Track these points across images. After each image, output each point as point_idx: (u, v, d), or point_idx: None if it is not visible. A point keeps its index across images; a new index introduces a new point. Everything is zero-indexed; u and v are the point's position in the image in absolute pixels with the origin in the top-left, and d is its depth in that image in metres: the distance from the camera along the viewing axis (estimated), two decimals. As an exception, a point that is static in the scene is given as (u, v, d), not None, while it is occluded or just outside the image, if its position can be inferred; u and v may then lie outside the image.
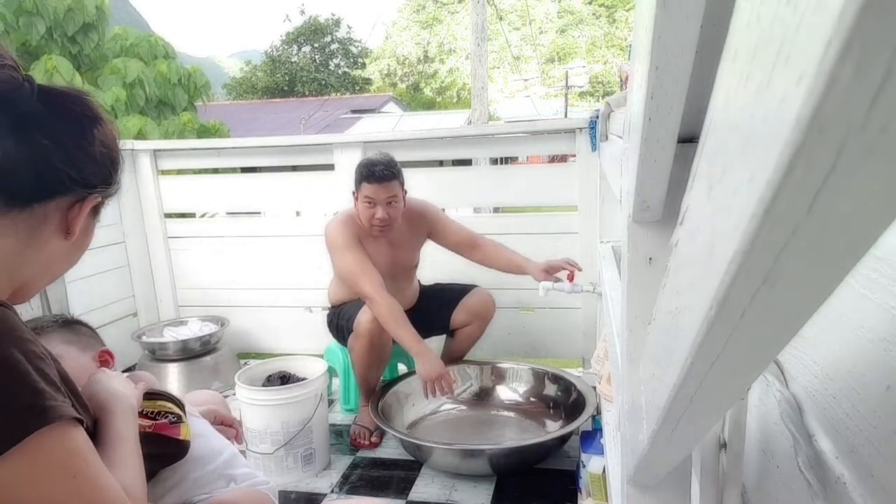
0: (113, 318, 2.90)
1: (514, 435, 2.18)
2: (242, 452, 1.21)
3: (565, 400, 2.24)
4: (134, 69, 6.84)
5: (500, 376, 2.43)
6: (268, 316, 3.06)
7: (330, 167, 2.82)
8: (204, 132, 7.47)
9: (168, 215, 3.09)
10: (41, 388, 0.64)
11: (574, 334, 2.72)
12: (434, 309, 2.40)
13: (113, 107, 6.50)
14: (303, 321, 3.01)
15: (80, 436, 0.68)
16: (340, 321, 2.31)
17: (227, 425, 1.21)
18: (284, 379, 2.03)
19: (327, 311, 2.45)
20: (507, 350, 2.78)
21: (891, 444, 0.32)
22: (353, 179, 2.19)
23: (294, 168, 3.07)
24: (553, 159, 4.40)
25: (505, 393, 2.40)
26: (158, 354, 2.71)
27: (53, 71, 5.74)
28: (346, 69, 28.23)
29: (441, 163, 3.72)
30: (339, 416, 2.47)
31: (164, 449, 0.95)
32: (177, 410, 0.99)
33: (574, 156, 2.61)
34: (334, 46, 28.06)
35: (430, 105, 26.62)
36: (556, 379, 2.33)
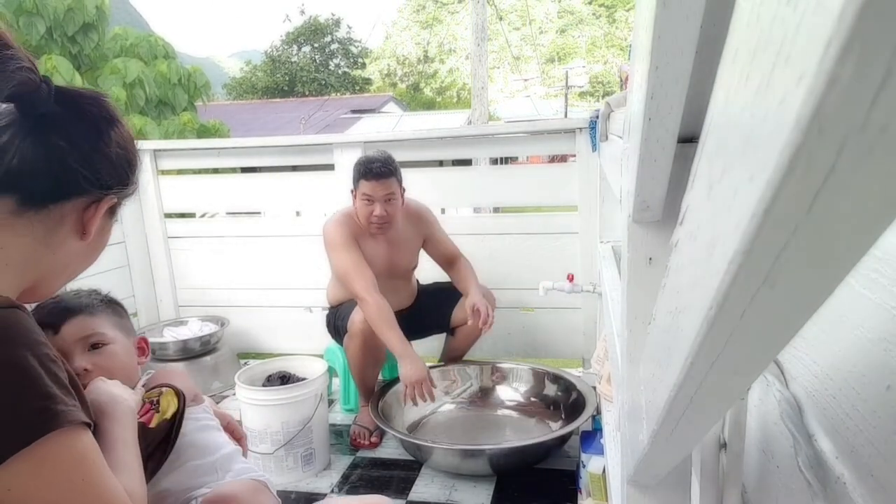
0: (113, 318, 2.90)
1: (514, 435, 2.17)
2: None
3: (565, 400, 2.24)
4: (134, 69, 6.84)
5: (500, 376, 2.43)
6: (268, 316, 3.06)
7: (330, 167, 2.82)
8: (204, 132, 7.47)
9: (168, 215, 3.09)
10: (52, 393, 0.64)
11: (574, 334, 2.72)
12: (434, 307, 2.40)
13: (113, 107, 6.49)
14: (303, 321, 3.01)
15: (88, 439, 0.68)
16: (338, 321, 2.31)
17: (236, 438, 1.20)
18: (284, 379, 2.03)
19: (327, 312, 2.45)
20: (507, 350, 2.78)
21: (891, 444, 0.32)
22: (351, 178, 2.19)
23: (294, 168, 3.08)
24: (553, 159, 4.40)
25: (505, 393, 2.40)
26: (158, 354, 2.71)
27: (53, 71, 5.73)
28: (346, 69, 28.25)
29: (441, 163, 3.72)
30: (339, 416, 2.47)
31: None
32: (157, 398, 0.98)
33: (574, 156, 2.61)
34: (334, 46, 28.07)
35: (430, 105, 26.63)
36: (556, 379, 2.33)
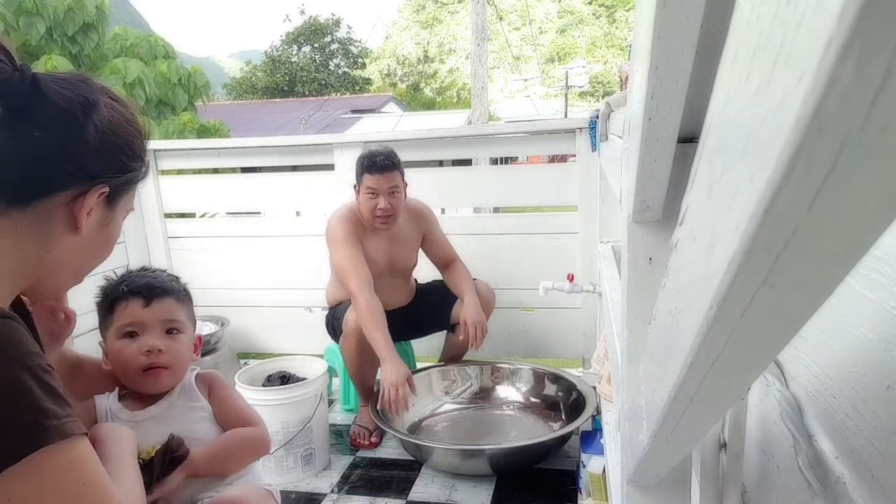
0: (113, 318, 2.90)
1: (515, 435, 2.17)
2: None
3: (565, 400, 2.24)
4: (134, 69, 6.84)
5: (500, 376, 2.43)
6: (268, 316, 3.06)
7: (330, 167, 2.82)
8: (204, 132, 7.47)
9: (168, 215, 3.09)
10: (44, 407, 0.63)
11: (574, 334, 2.72)
12: (433, 305, 2.40)
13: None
14: (303, 321, 3.01)
15: (84, 446, 0.67)
16: (335, 321, 2.31)
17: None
18: (284, 379, 2.03)
19: (326, 312, 2.45)
20: (508, 350, 2.78)
21: (891, 443, 0.32)
22: (354, 173, 2.20)
23: (294, 168, 3.07)
24: (553, 159, 4.40)
25: (505, 393, 2.40)
26: (158, 354, 2.71)
27: (53, 71, 5.74)
28: (346, 69, 28.25)
29: (441, 163, 3.72)
30: (339, 416, 2.47)
31: None
32: (145, 457, 0.96)
33: (574, 156, 2.61)
34: (334, 46, 28.07)
35: (430, 105, 26.63)
36: (557, 379, 2.33)
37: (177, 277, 1.15)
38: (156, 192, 3.01)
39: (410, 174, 2.29)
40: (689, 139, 0.53)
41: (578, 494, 1.71)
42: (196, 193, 3.09)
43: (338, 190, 2.74)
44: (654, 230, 0.63)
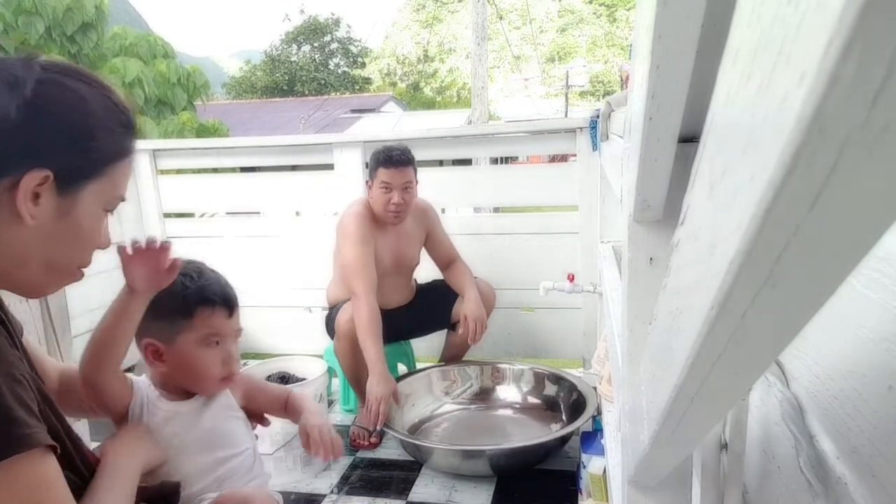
0: (113, 319, 2.90)
1: (515, 436, 2.17)
2: None
3: (566, 400, 2.24)
4: (133, 69, 6.84)
5: (500, 377, 2.43)
6: (267, 316, 3.06)
7: (329, 167, 2.82)
8: (203, 132, 7.47)
9: (167, 215, 3.09)
10: (15, 416, 0.62)
11: (574, 334, 2.72)
12: (434, 303, 2.40)
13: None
14: (302, 321, 3.01)
15: (49, 464, 0.65)
16: (334, 322, 2.31)
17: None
18: (284, 379, 2.03)
19: (326, 312, 2.45)
20: (508, 350, 2.78)
21: (892, 444, 0.32)
22: (368, 168, 2.23)
23: (294, 168, 3.07)
24: (553, 159, 4.41)
25: (505, 393, 2.40)
26: (158, 354, 2.71)
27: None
28: (346, 69, 28.24)
29: (441, 162, 3.72)
30: (339, 416, 2.47)
31: None
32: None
33: (574, 155, 2.61)
34: (334, 46, 28.07)
35: (430, 105, 26.62)
36: (557, 379, 2.32)
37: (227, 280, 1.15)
38: (155, 192, 3.01)
39: (410, 174, 2.29)
40: (689, 139, 0.53)
41: (579, 495, 1.71)
42: (195, 193, 3.09)
43: (337, 190, 2.74)
44: (655, 230, 0.63)
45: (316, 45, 27.55)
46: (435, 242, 2.40)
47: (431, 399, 2.37)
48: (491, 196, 2.88)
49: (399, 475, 2.00)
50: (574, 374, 2.37)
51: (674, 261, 0.33)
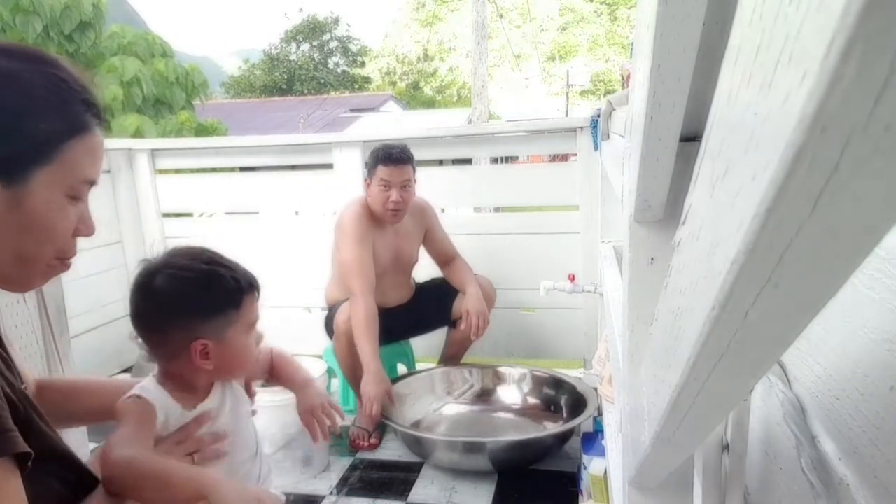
0: (110, 319, 2.89)
1: (515, 434, 2.17)
2: None
3: (566, 401, 2.24)
4: (131, 68, 6.84)
5: (500, 378, 2.43)
6: (266, 316, 3.03)
7: (329, 166, 2.82)
8: (202, 131, 7.48)
9: (166, 215, 3.08)
10: None
11: (575, 335, 2.72)
12: (434, 301, 2.40)
13: (110, 105, 6.50)
14: (302, 321, 3.00)
15: (11, 479, 0.61)
16: (332, 322, 2.31)
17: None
18: (284, 379, 2.03)
19: (325, 312, 2.45)
20: (508, 351, 2.78)
21: (894, 445, 0.32)
22: (367, 166, 2.23)
23: (293, 167, 3.07)
24: (554, 158, 4.38)
25: (505, 394, 2.40)
26: (158, 354, 2.71)
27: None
28: (346, 67, 28.23)
29: (441, 162, 3.71)
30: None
31: None
32: None
33: (575, 155, 2.60)
34: (333, 45, 28.05)
35: (429, 104, 26.60)
36: (557, 381, 2.32)
37: None
38: (153, 192, 3.01)
39: (410, 173, 2.29)
40: (691, 138, 0.53)
41: (580, 496, 1.71)
42: (194, 193, 3.09)
43: (337, 189, 2.73)
44: (656, 230, 0.63)
45: (315, 43, 27.53)
46: (434, 240, 2.40)
47: (432, 399, 2.37)
48: (491, 196, 2.88)
49: (399, 476, 2.00)
50: (575, 375, 2.37)
51: (675, 261, 0.33)
